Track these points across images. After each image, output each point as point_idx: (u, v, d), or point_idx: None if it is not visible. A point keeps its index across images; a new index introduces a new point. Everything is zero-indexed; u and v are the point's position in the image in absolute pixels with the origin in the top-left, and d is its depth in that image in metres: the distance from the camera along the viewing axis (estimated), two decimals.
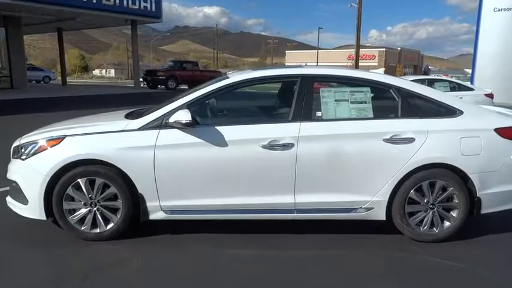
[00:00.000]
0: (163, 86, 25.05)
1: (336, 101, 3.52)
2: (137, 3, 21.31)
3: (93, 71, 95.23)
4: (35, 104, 15.07)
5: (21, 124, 10.54)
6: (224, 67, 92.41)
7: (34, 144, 3.47)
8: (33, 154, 3.42)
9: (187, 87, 26.11)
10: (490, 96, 11.53)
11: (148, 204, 3.41)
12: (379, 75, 3.84)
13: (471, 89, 11.98)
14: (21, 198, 3.45)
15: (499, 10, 20.43)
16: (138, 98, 18.18)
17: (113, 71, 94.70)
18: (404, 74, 56.15)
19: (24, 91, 20.33)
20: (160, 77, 24.91)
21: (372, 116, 3.50)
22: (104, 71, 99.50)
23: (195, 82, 26.06)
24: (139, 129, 3.41)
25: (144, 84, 26.13)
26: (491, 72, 19.66)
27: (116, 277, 2.93)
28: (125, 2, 20.74)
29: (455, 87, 11.82)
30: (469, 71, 23.03)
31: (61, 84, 28.00)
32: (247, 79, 3.66)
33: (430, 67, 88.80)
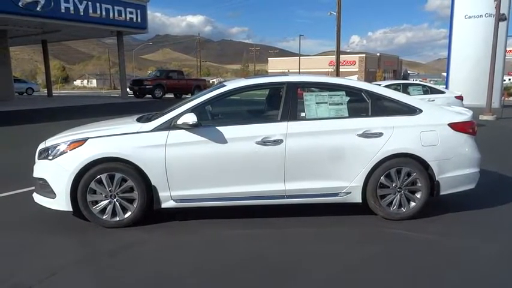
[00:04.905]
0: (150, 95, 25.46)
1: (317, 103, 4.19)
2: (123, 15, 21.76)
3: (75, 82, 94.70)
4: (31, 115, 15.38)
5: (27, 134, 10.94)
6: (207, 75, 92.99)
7: (60, 146, 4.02)
8: (60, 154, 3.97)
9: (173, 96, 26.62)
10: (460, 98, 12.42)
11: (161, 194, 3.99)
12: (352, 81, 4.55)
13: (442, 92, 12.88)
14: (49, 193, 3.98)
15: (469, 17, 21.63)
16: (129, 107, 18.58)
17: (94, 81, 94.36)
18: (385, 79, 57.84)
19: (12, 103, 20.53)
20: (147, 87, 25.30)
21: (347, 115, 4.18)
22: (85, 81, 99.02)
23: (181, 90, 26.64)
24: (152, 130, 3.99)
25: (131, 94, 26.46)
26: (463, 76, 20.85)
27: (138, 254, 3.50)
28: (111, 14, 21.18)
29: (428, 90, 12.71)
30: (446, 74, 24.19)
31: (47, 96, 28.14)
32: (241, 86, 4.30)
33: (408, 71, 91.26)
